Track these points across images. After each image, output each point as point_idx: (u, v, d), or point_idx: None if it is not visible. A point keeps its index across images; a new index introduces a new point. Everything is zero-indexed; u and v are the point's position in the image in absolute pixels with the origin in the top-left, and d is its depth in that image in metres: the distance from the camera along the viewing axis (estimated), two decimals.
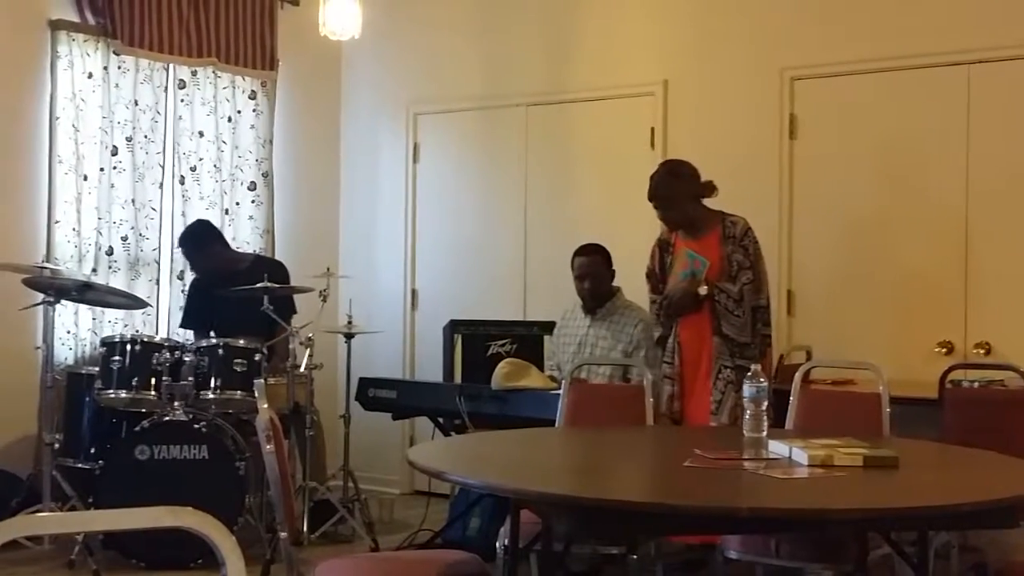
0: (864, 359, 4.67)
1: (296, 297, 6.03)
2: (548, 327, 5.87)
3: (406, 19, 7.23)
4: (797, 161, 5.96)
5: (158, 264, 6.48)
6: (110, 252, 6.24)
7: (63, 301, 5.56)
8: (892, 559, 4.14)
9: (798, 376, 4.53)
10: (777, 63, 5.99)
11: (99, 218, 6.18)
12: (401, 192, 7.30)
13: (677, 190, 4.93)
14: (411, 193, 7.27)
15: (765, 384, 3.61)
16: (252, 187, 6.93)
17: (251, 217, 6.92)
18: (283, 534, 3.24)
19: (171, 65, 6.53)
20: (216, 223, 6.47)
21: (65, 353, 6.01)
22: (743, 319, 4.78)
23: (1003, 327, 5.41)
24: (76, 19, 6.12)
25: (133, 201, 6.34)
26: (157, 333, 6.27)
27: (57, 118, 6.03)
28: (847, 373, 5.03)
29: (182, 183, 6.60)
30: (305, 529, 5.60)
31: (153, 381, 5.47)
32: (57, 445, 5.41)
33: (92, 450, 5.58)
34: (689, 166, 4.99)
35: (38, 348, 5.66)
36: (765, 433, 3.56)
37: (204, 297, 6.11)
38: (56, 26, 6.04)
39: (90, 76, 6.16)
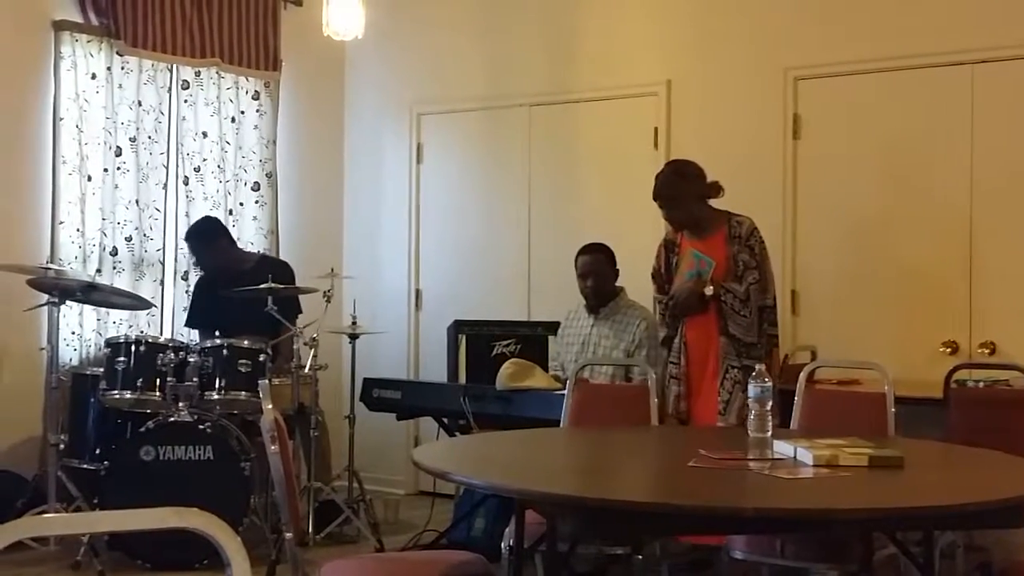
0: (869, 359, 4.66)
1: (300, 297, 6.03)
2: (552, 327, 5.87)
3: (409, 19, 7.23)
4: (801, 161, 5.96)
5: (162, 265, 6.48)
6: (114, 253, 6.25)
7: (68, 302, 5.57)
8: (897, 559, 4.14)
9: (803, 376, 4.53)
10: (780, 63, 5.98)
11: (103, 219, 6.19)
12: (405, 192, 7.30)
13: (682, 190, 4.92)
14: (415, 193, 7.27)
15: (769, 384, 3.60)
16: (256, 187, 6.93)
17: (255, 218, 6.92)
18: (288, 535, 3.24)
19: (175, 66, 6.54)
20: None
21: (70, 354, 6.01)
22: (749, 319, 4.77)
23: (1008, 327, 5.40)
24: (79, 20, 6.12)
25: (137, 202, 6.35)
26: (162, 334, 6.27)
27: (61, 119, 6.04)
28: (852, 373, 5.02)
29: (186, 183, 6.60)
30: (310, 530, 5.60)
31: (158, 382, 5.48)
32: (62, 446, 5.42)
33: (97, 451, 5.58)
34: (695, 166, 4.98)
35: (43, 349, 5.67)
36: (770, 433, 3.55)
37: (209, 297, 6.12)
38: (59, 27, 6.05)
39: (93, 77, 6.16)
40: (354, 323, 6.05)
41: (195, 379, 5.50)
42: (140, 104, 6.36)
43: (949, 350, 5.47)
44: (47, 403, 5.70)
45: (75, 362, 6.02)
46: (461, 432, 5.70)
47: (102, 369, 5.60)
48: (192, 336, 6.32)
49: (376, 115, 7.43)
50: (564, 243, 6.14)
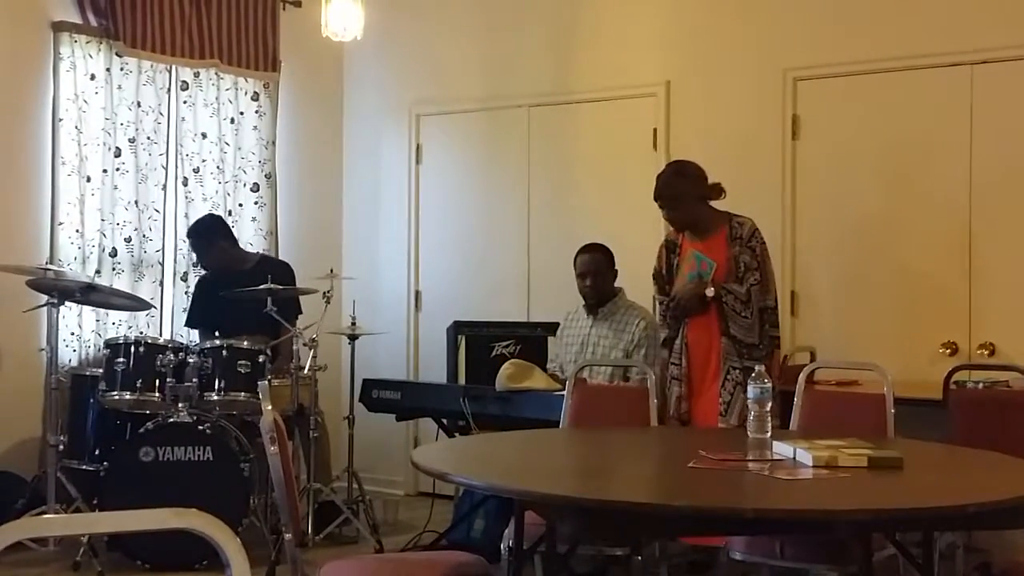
0: (868, 360, 4.67)
1: (300, 298, 6.03)
2: (552, 328, 5.87)
3: (408, 20, 7.23)
4: (800, 162, 5.96)
5: (162, 265, 6.48)
6: (113, 254, 6.24)
7: (67, 303, 5.57)
8: (897, 560, 4.14)
9: (802, 377, 4.52)
10: (780, 64, 5.99)
11: (102, 220, 6.19)
12: (404, 193, 7.30)
13: (683, 190, 4.91)
14: (414, 194, 7.27)
15: (769, 385, 3.60)
16: (255, 188, 6.93)
17: (254, 218, 6.92)
18: (288, 535, 3.24)
19: (174, 66, 6.53)
20: None
21: (69, 355, 6.01)
22: (750, 320, 4.77)
23: (1007, 328, 5.41)
24: (78, 21, 6.12)
25: (136, 203, 6.35)
26: (161, 335, 6.27)
27: (60, 120, 6.03)
28: (851, 374, 5.02)
29: (185, 184, 6.60)
30: (310, 530, 5.60)
31: (157, 383, 5.48)
32: (61, 447, 5.42)
33: (96, 452, 5.59)
34: (696, 167, 4.98)
35: (42, 350, 5.67)
36: (769, 434, 3.55)
37: (209, 297, 6.12)
38: (58, 28, 6.05)
39: (92, 78, 6.16)
40: (353, 324, 6.05)
41: (194, 380, 5.50)
42: (139, 105, 6.36)
43: (948, 351, 5.48)
44: (46, 404, 5.70)
45: (74, 363, 6.02)
46: (461, 433, 5.70)
47: (101, 370, 5.60)
48: (192, 337, 6.33)
49: (375, 116, 7.43)
50: (563, 244, 6.14)
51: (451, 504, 5.90)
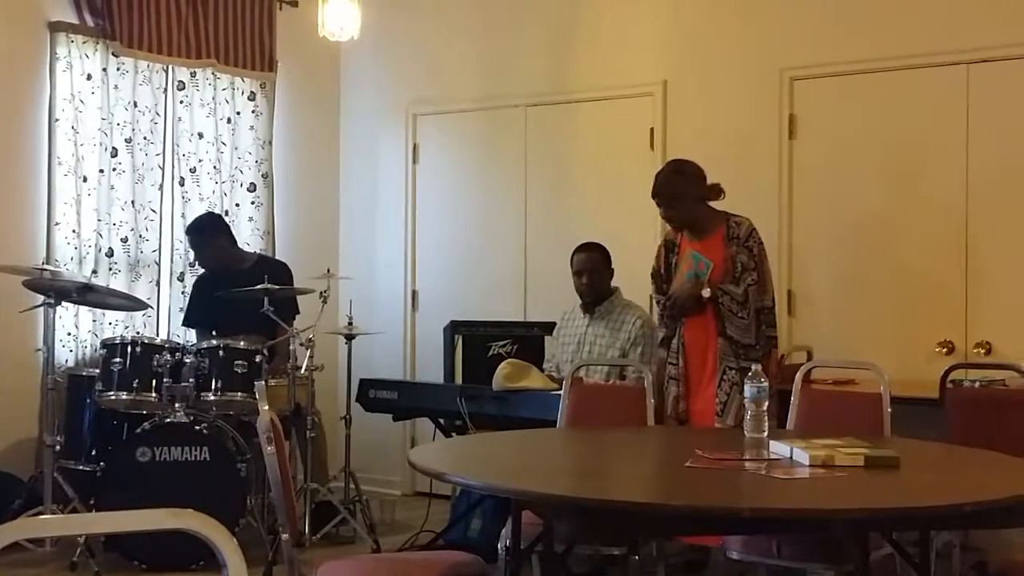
0: (865, 359, 4.67)
1: (298, 298, 6.03)
2: (548, 328, 5.87)
3: (405, 20, 7.23)
4: (797, 161, 5.96)
5: (158, 265, 6.48)
6: (110, 254, 6.24)
7: (63, 303, 5.56)
8: (894, 559, 4.14)
9: (799, 376, 4.53)
10: (776, 63, 5.99)
11: (99, 220, 6.18)
12: (401, 193, 7.30)
13: (681, 189, 4.91)
14: (411, 194, 7.27)
15: (766, 384, 3.60)
16: (252, 188, 6.93)
17: (251, 218, 6.92)
18: (285, 536, 3.24)
19: (170, 66, 6.53)
20: None
21: (66, 355, 6.01)
22: (747, 321, 4.76)
23: (1004, 327, 5.41)
24: (75, 21, 6.12)
25: (133, 203, 6.34)
26: (158, 335, 6.27)
27: (56, 120, 6.03)
28: (848, 373, 5.03)
29: (182, 184, 6.60)
30: (307, 530, 5.60)
31: (154, 383, 5.47)
32: (58, 447, 5.41)
33: (93, 452, 5.58)
34: (695, 166, 4.97)
35: (39, 350, 5.66)
36: (766, 433, 3.56)
37: (207, 297, 6.11)
38: (55, 28, 6.04)
39: (89, 78, 6.16)
40: (350, 324, 6.05)
41: (191, 380, 5.50)
42: (136, 105, 6.36)
43: (945, 350, 5.48)
44: (43, 404, 5.69)
45: (71, 363, 6.01)
46: (457, 433, 5.70)
47: (98, 370, 5.59)
48: (188, 337, 6.32)
49: (372, 115, 7.43)
50: (560, 243, 6.13)
51: (448, 504, 5.90)
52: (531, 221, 6.81)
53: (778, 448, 3.51)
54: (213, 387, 5.53)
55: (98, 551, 5.24)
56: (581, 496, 3.22)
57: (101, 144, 6.20)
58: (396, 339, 7.15)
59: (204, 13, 6.62)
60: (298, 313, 6.05)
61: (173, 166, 6.58)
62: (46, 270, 5.50)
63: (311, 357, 5.74)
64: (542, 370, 5.63)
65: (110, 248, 6.24)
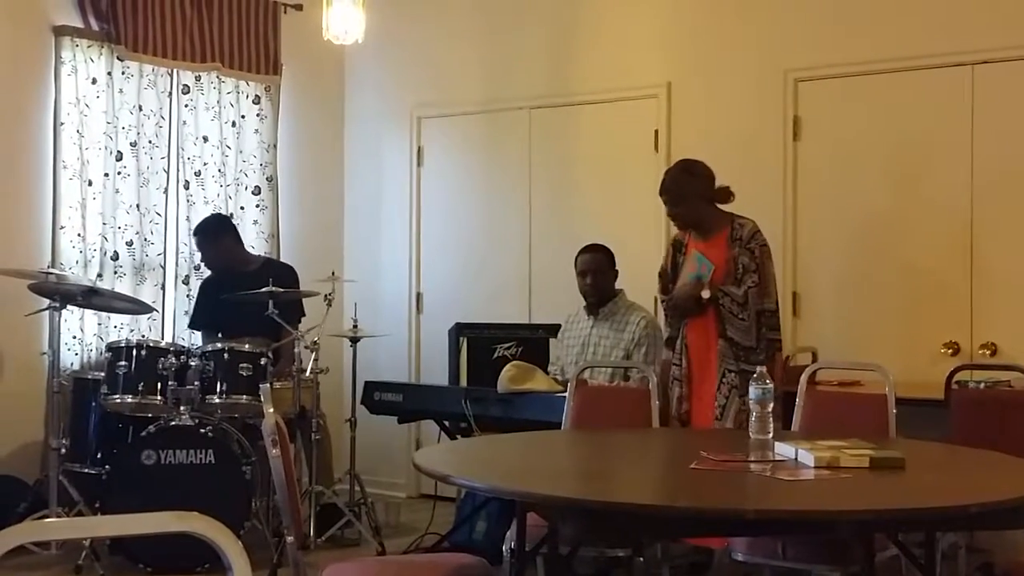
0: (870, 360, 4.66)
1: (303, 301, 6.03)
2: (553, 330, 5.87)
3: (409, 23, 7.24)
4: (801, 163, 5.96)
5: (163, 269, 6.48)
6: (115, 257, 6.25)
7: (69, 306, 5.58)
8: (899, 560, 4.13)
9: (804, 377, 4.52)
10: (780, 65, 5.99)
11: (104, 223, 6.19)
12: (405, 195, 7.30)
13: (688, 188, 4.91)
14: (415, 196, 7.28)
15: (771, 385, 3.60)
16: (256, 191, 6.94)
17: (256, 222, 6.92)
18: (290, 538, 3.24)
19: (175, 70, 6.54)
20: None
21: (71, 358, 6.02)
22: (747, 323, 4.75)
23: (1009, 328, 5.40)
24: (80, 25, 6.13)
25: (138, 206, 6.35)
26: (163, 338, 6.28)
27: (61, 123, 6.04)
28: (853, 374, 5.02)
29: (187, 188, 6.61)
30: (312, 533, 5.60)
31: (159, 386, 5.48)
32: (64, 450, 5.43)
33: (99, 455, 5.58)
34: (705, 167, 4.97)
35: (44, 354, 5.67)
36: (771, 435, 3.55)
37: (212, 299, 6.12)
38: (60, 32, 6.05)
39: (94, 82, 6.17)
40: (355, 326, 6.05)
41: (196, 383, 5.50)
42: (141, 109, 6.37)
43: (950, 351, 5.47)
44: (48, 407, 5.70)
45: (76, 366, 6.02)
46: (462, 435, 5.70)
47: (103, 373, 5.60)
48: (194, 340, 6.33)
49: (376, 118, 7.44)
50: (564, 245, 6.13)
51: (453, 506, 5.90)
52: (535, 223, 6.81)
53: (783, 449, 3.51)
54: (218, 390, 5.53)
55: (103, 554, 5.25)
56: (586, 498, 3.22)
57: (106, 148, 6.21)
58: (401, 341, 7.15)
59: (209, 17, 6.63)
60: (303, 316, 6.05)
61: (178, 169, 6.59)
62: (51, 274, 5.51)
63: (316, 360, 5.75)
64: (547, 372, 5.64)
65: (115, 252, 6.25)
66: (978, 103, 5.48)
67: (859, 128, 5.80)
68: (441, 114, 7.20)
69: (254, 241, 6.86)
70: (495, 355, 5.88)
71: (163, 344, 5.72)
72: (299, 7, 7.05)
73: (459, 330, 5.98)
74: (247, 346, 5.62)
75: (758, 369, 3.66)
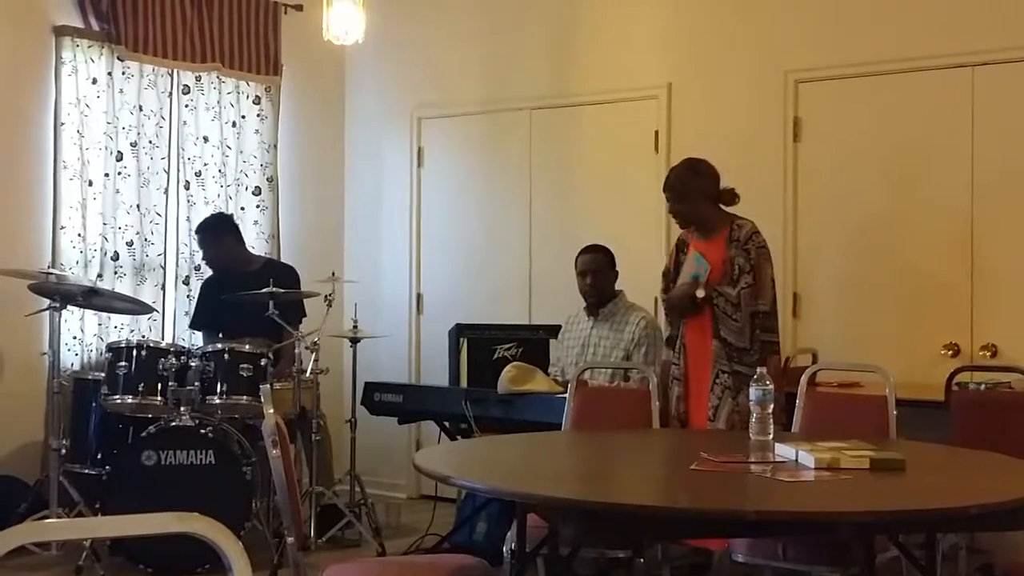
0: (870, 361, 4.66)
1: (304, 302, 6.03)
2: (553, 331, 5.87)
3: (409, 23, 7.24)
4: (801, 164, 5.96)
5: (164, 269, 6.48)
6: (116, 257, 6.25)
7: (69, 307, 5.57)
8: (900, 562, 4.13)
9: (804, 379, 4.52)
10: (781, 66, 5.98)
11: (104, 223, 6.19)
12: (406, 196, 7.30)
13: (691, 185, 4.91)
14: (415, 197, 7.28)
15: (771, 386, 3.60)
16: (257, 192, 6.94)
17: (256, 222, 6.93)
18: (290, 539, 3.24)
19: (175, 70, 6.54)
20: None
21: (71, 359, 6.02)
22: (740, 324, 4.73)
23: (1009, 329, 5.40)
24: (80, 25, 6.13)
25: (138, 206, 6.35)
26: (163, 338, 6.28)
27: (62, 124, 6.05)
28: (853, 375, 5.02)
29: (187, 188, 6.61)
30: (312, 534, 5.60)
31: (159, 386, 5.47)
32: (64, 451, 5.43)
33: (99, 456, 5.58)
34: (709, 166, 4.97)
35: (44, 354, 5.68)
36: (771, 436, 3.55)
37: (213, 299, 6.12)
38: (60, 32, 6.06)
39: (94, 82, 6.17)
40: (355, 327, 6.05)
41: (196, 383, 5.50)
42: (141, 109, 6.37)
43: (950, 352, 5.47)
44: (49, 408, 5.70)
45: (76, 367, 6.02)
46: (463, 436, 5.70)
47: (103, 374, 5.59)
48: (194, 340, 6.33)
49: (377, 119, 7.44)
50: (565, 246, 6.13)
51: (453, 507, 5.89)
52: (536, 224, 6.81)
53: (783, 451, 3.51)
54: (218, 391, 5.53)
55: (104, 555, 5.25)
56: (586, 499, 3.22)
57: (106, 148, 6.21)
58: (401, 342, 7.15)
59: (209, 17, 6.63)
60: (304, 316, 6.05)
61: (178, 170, 6.59)
62: (52, 274, 5.51)
63: (316, 360, 5.75)
64: (547, 373, 5.64)
65: (115, 252, 6.25)
66: (978, 104, 5.48)
67: (859, 129, 5.80)
68: (441, 115, 7.20)
69: (254, 241, 6.86)
70: (495, 356, 5.88)
71: (163, 345, 5.72)
72: (299, 7, 7.06)
73: (459, 331, 5.98)
74: (247, 347, 5.62)
75: (759, 370, 3.66)
